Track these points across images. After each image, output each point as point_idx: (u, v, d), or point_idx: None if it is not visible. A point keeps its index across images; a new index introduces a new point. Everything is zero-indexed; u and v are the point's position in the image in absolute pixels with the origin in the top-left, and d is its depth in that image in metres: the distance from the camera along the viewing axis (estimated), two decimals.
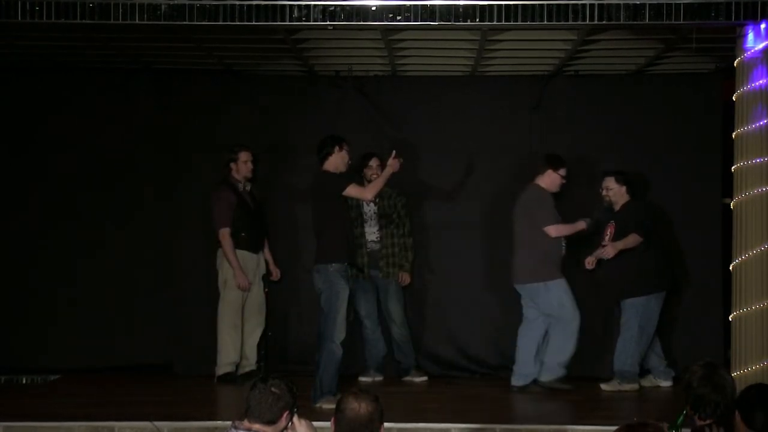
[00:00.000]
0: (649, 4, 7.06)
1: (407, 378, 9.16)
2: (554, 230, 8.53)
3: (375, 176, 8.65)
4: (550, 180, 8.66)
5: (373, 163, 8.93)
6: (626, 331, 8.65)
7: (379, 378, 9.18)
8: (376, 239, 9.14)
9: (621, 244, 8.58)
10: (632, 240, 8.58)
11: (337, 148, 8.01)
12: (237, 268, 8.79)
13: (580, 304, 8.82)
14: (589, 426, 6.95)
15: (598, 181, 8.96)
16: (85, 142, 9.58)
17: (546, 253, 8.54)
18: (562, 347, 8.56)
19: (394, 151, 8.02)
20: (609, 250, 8.60)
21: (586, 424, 7.01)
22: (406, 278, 9.23)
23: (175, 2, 7.13)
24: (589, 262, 8.83)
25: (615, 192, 8.77)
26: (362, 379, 9.09)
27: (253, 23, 7.21)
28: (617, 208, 8.79)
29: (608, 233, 8.75)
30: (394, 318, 9.18)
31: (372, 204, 9.06)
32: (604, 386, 8.67)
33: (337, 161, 8.02)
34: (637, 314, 8.61)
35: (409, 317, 9.33)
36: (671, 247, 9.25)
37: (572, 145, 9.46)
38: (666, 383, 8.82)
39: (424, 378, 9.16)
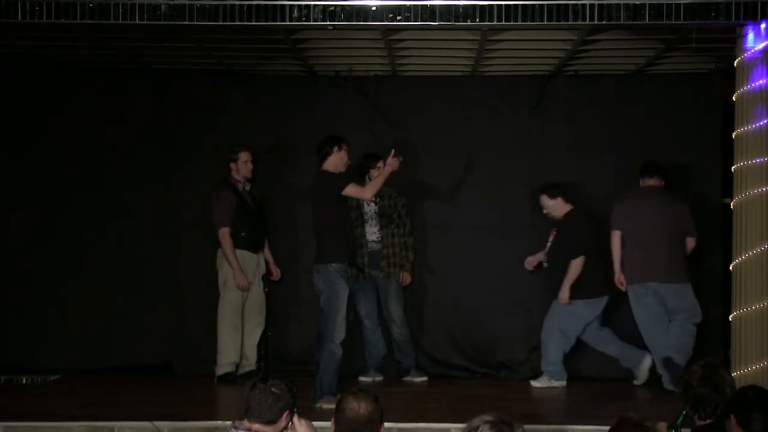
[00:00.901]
0: (649, 4, 7.06)
1: (407, 378, 9.16)
2: (694, 243, 8.71)
3: None
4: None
5: (381, 164, 8.83)
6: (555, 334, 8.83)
7: (379, 378, 9.17)
8: (376, 239, 9.14)
9: (569, 282, 8.66)
10: (575, 270, 8.69)
11: (336, 148, 8.02)
12: (237, 268, 8.79)
13: None
14: (589, 426, 6.95)
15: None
16: (85, 142, 9.58)
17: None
18: (689, 344, 8.61)
19: (393, 150, 8.03)
20: (563, 297, 8.69)
21: (586, 424, 7.01)
22: (406, 278, 9.23)
23: (175, 2, 7.13)
24: (529, 263, 9.06)
25: (552, 207, 8.91)
26: (362, 379, 9.09)
27: (253, 23, 7.21)
28: (560, 218, 8.91)
29: (550, 240, 8.94)
30: (394, 318, 9.18)
31: (372, 204, 9.06)
32: (534, 383, 8.84)
33: (336, 161, 8.02)
34: (562, 316, 8.75)
35: (409, 317, 9.32)
36: None
37: (572, 146, 9.47)
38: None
39: (424, 378, 9.16)
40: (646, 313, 8.57)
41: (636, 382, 8.82)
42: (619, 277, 8.63)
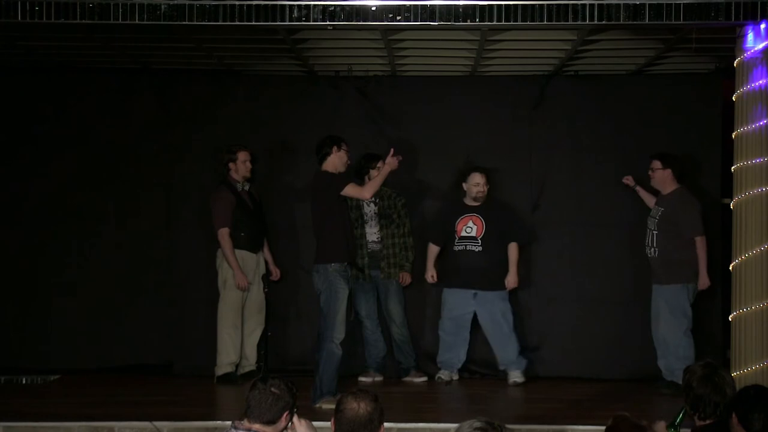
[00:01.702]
0: (649, 4, 7.06)
1: (407, 378, 9.16)
2: None
3: None
4: None
5: (380, 164, 8.79)
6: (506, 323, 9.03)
7: (379, 378, 9.17)
8: (376, 240, 9.14)
9: (517, 266, 9.02)
10: (517, 253, 9.03)
11: (335, 148, 8.02)
12: (236, 268, 8.79)
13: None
14: (589, 426, 6.95)
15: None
16: (85, 142, 9.58)
17: None
18: None
19: (392, 149, 8.03)
20: (515, 281, 9.00)
21: (586, 424, 7.01)
22: (406, 278, 9.23)
23: (175, 2, 7.13)
24: (432, 277, 9.21)
25: (485, 189, 9.02)
26: (362, 379, 9.09)
27: (253, 23, 7.21)
28: (487, 202, 9.04)
29: (477, 225, 8.99)
30: (394, 318, 9.18)
31: (372, 204, 9.07)
32: (516, 380, 8.97)
33: (335, 161, 8.02)
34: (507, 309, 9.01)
35: (409, 317, 9.32)
36: None
37: (572, 146, 9.46)
38: None
39: (424, 378, 9.16)
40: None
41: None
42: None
